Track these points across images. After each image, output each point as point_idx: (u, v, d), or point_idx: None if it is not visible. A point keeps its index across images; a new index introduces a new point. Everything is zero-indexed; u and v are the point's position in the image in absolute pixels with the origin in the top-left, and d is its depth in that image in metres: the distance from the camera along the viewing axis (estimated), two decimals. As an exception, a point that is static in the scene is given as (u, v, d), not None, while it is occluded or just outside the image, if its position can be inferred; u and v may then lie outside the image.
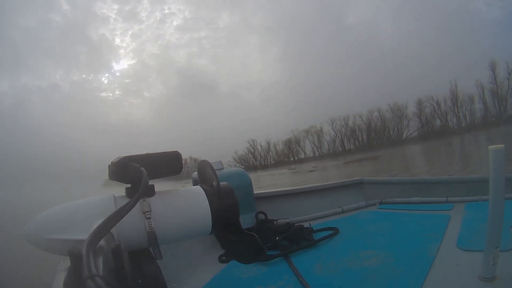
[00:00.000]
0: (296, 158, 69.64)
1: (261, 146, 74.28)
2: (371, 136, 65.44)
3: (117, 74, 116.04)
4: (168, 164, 0.70)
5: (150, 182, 0.64)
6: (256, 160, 73.42)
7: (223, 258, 1.43)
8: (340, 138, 67.93)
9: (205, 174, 0.80)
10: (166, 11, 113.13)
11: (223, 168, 1.77)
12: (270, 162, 72.13)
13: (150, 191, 0.66)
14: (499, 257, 0.86)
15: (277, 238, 1.50)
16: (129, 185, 0.66)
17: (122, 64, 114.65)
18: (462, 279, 0.94)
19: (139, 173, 0.61)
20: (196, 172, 0.85)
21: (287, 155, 71.98)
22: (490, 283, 0.87)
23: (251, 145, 74.74)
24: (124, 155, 0.65)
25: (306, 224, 1.65)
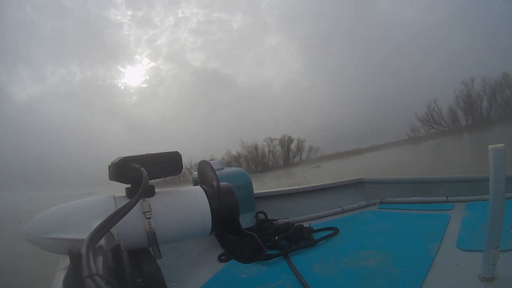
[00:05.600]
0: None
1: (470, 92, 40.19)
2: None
3: (133, 80, 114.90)
4: (168, 165, 0.70)
5: (151, 183, 0.64)
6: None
7: (223, 257, 1.44)
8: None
9: (205, 174, 0.80)
10: (180, 15, 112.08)
11: (223, 168, 1.77)
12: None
13: (150, 191, 0.67)
14: (499, 257, 0.86)
15: (277, 237, 1.50)
16: (129, 186, 0.67)
17: (138, 70, 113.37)
18: (461, 279, 0.94)
19: (139, 174, 0.61)
20: (197, 173, 0.85)
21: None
22: (490, 283, 0.87)
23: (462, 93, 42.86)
24: (124, 156, 0.66)
25: (306, 224, 1.65)
